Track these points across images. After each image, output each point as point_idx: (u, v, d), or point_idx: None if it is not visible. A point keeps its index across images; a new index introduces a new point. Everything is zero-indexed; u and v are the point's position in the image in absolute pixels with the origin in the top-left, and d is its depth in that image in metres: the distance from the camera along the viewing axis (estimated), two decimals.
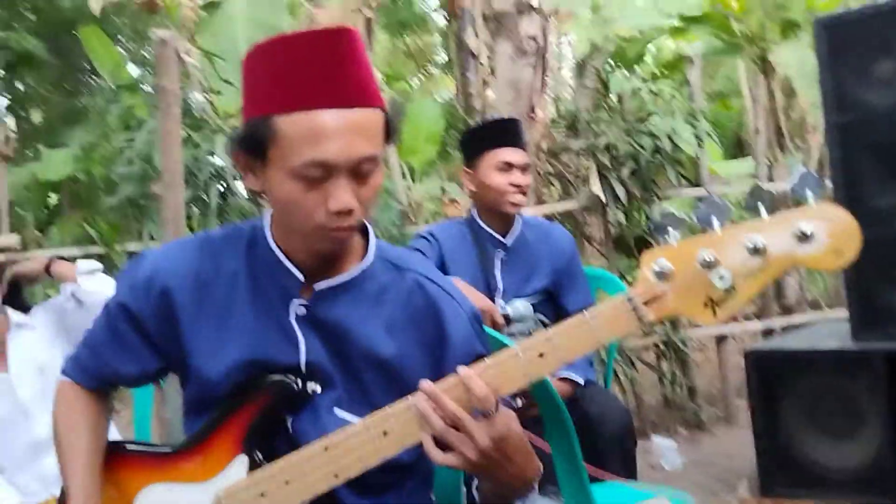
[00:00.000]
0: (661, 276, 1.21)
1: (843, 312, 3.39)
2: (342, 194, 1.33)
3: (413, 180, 6.94)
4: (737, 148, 10.14)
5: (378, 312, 1.48)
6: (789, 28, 7.88)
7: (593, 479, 2.14)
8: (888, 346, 3.13)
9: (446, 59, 15.54)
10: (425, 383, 1.32)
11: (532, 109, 5.03)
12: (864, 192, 3.26)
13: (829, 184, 3.49)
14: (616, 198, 4.51)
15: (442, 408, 1.29)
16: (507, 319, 2.58)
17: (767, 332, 4.82)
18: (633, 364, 4.47)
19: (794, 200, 1.21)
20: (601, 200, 4.52)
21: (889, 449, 3.10)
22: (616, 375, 4.48)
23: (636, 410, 4.62)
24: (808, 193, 1.14)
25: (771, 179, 5.21)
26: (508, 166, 2.76)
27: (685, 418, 4.56)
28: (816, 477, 3.28)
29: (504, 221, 2.84)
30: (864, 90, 3.26)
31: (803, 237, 1.11)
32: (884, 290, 3.22)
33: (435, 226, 3.02)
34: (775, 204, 3.83)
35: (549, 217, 4.38)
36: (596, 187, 4.54)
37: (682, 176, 4.61)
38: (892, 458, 3.10)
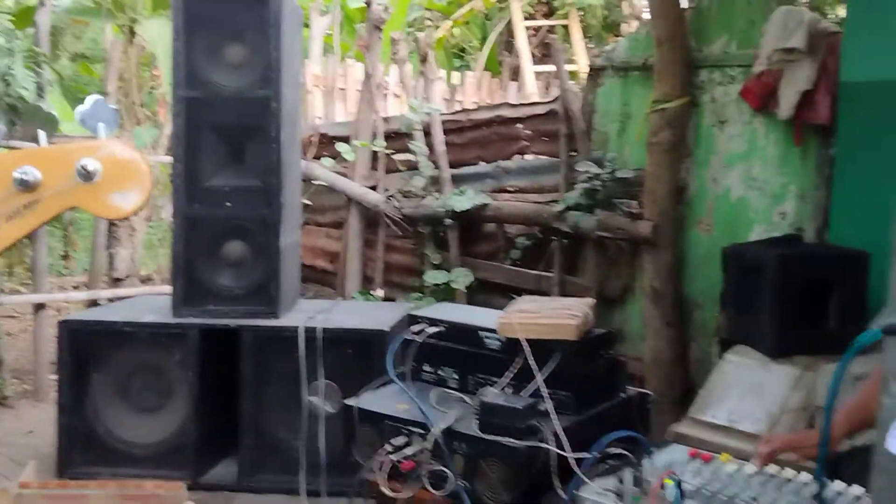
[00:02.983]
0: None
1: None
2: None
3: None
4: None
5: None
6: (160, 4, 7.82)
7: None
8: (205, 320, 3.19)
9: None
10: None
11: None
12: (203, 170, 3.28)
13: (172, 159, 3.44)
14: None
15: None
16: None
17: (93, 305, 4.60)
18: None
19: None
20: None
21: (192, 422, 3.15)
22: None
23: None
24: (101, 127, 0.95)
25: None
26: None
27: None
28: (119, 452, 3.18)
29: None
30: (214, 70, 3.28)
31: (86, 175, 0.91)
32: (207, 266, 3.27)
33: None
34: None
35: None
36: None
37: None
38: (194, 431, 3.15)
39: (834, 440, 1.95)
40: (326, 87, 5.82)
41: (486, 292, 4.24)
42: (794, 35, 3.04)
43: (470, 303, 4.17)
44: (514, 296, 3.78)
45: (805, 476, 1.80)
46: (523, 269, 4.17)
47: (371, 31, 4.75)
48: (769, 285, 2.77)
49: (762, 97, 3.25)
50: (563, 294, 3.91)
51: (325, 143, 4.83)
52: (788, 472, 1.83)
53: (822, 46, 3.05)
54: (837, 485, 1.75)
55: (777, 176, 3.33)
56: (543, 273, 4.08)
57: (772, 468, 1.84)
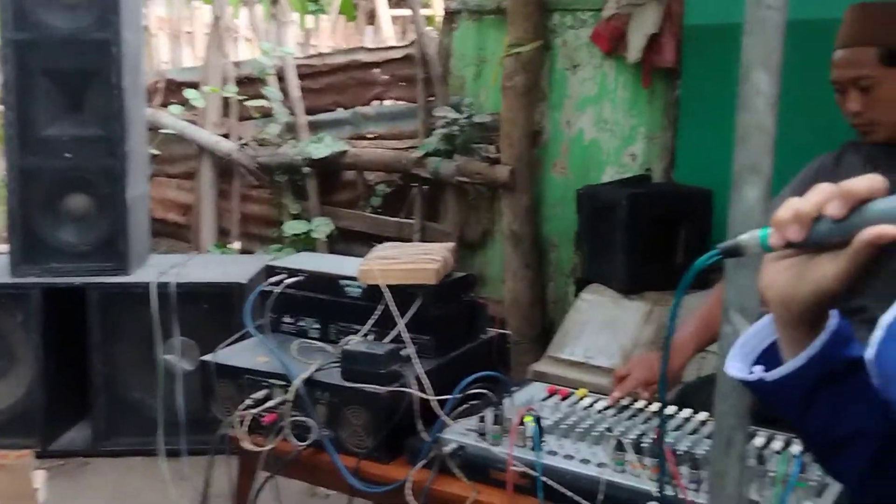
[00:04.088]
0: None
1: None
2: None
3: None
4: None
5: None
6: None
7: None
8: (47, 279, 3.01)
9: None
10: None
11: None
12: (38, 119, 3.08)
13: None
14: None
15: None
16: None
17: None
18: None
19: None
20: None
21: (38, 387, 2.99)
22: None
23: None
24: None
25: None
26: None
27: None
28: None
29: None
30: (47, 11, 3.06)
31: None
32: (48, 222, 3.09)
33: None
34: None
35: None
36: None
37: None
38: (42, 396, 3.00)
39: (682, 364, 2.05)
40: (172, 31, 5.54)
41: (347, 241, 4.20)
42: None
43: (331, 252, 4.13)
44: (376, 244, 3.77)
45: (656, 406, 1.89)
46: (384, 217, 4.15)
47: None
48: (620, 225, 2.86)
49: (612, 41, 3.32)
50: (425, 240, 3.92)
51: (174, 90, 4.61)
52: (640, 403, 1.91)
53: None
54: (685, 412, 1.85)
55: (627, 118, 3.43)
56: (405, 220, 4.07)
57: (626, 400, 1.92)
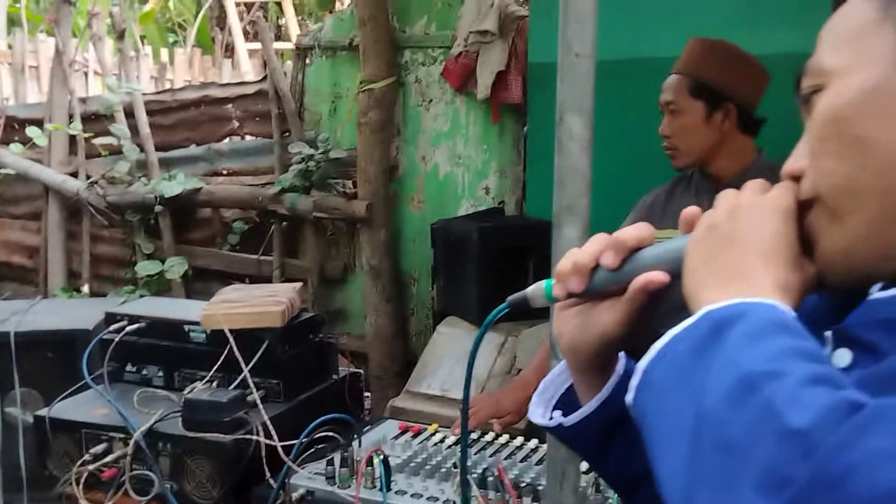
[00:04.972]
0: None
1: None
2: None
3: None
4: None
5: None
6: None
7: None
8: None
9: None
10: None
11: None
12: None
13: None
14: None
15: None
16: None
17: None
18: None
19: None
20: None
21: None
22: None
23: None
24: None
25: None
26: None
27: None
28: None
29: None
30: None
31: None
32: None
33: None
34: None
35: None
36: None
37: None
38: None
39: (527, 397, 2.11)
40: (15, 65, 5.30)
41: (205, 280, 4.09)
42: (486, 18, 3.19)
43: (189, 292, 4.01)
44: (235, 282, 3.69)
45: (503, 438, 1.93)
46: (242, 254, 4.07)
47: (59, 4, 4.37)
48: (472, 258, 2.91)
49: (461, 77, 3.39)
50: (285, 276, 3.87)
51: (16, 128, 4.39)
52: (489, 436, 1.94)
53: (512, 29, 3.24)
54: (531, 443, 1.90)
55: (479, 153, 3.50)
56: (263, 257, 4.01)
57: (475, 434, 1.95)
